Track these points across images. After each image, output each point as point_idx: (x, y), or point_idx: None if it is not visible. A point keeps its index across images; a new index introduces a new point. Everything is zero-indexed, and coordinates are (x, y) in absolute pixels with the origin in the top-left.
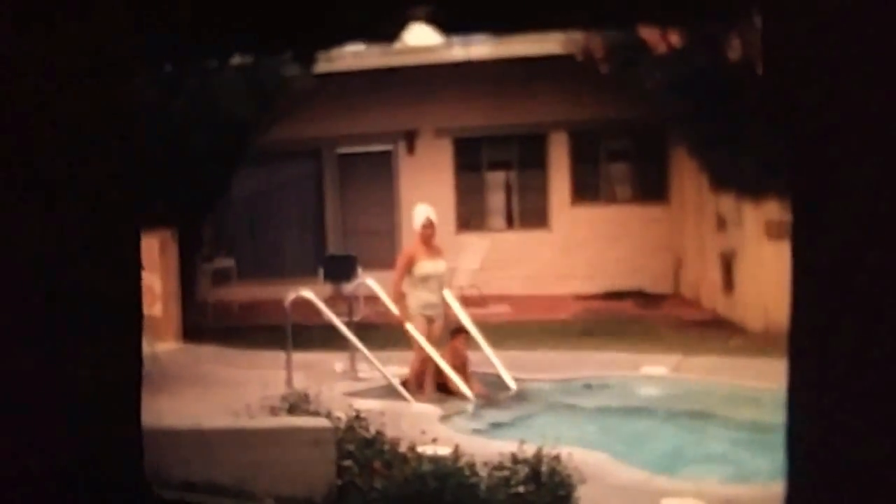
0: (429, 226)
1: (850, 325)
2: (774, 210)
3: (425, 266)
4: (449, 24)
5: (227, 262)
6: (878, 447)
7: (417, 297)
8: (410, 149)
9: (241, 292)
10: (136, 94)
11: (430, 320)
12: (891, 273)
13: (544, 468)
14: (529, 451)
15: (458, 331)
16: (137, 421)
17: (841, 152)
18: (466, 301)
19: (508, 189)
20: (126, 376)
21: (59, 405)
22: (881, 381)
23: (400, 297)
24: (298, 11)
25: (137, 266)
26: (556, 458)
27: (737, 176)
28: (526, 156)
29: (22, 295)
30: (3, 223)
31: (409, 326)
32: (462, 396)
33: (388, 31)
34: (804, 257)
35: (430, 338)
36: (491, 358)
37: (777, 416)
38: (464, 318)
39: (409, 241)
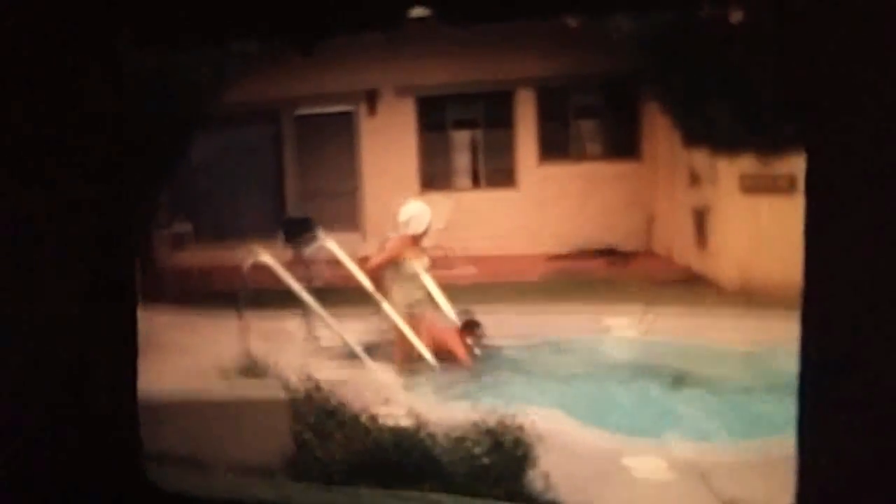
0: (429, 230)
1: (865, 286)
2: (749, 164)
3: (413, 264)
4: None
5: (185, 227)
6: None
7: (405, 294)
8: (372, 109)
9: (200, 257)
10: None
11: (417, 317)
12: None
13: (506, 434)
14: (491, 419)
15: (470, 324)
16: (133, 396)
17: (858, 105)
18: (432, 263)
19: (474, 148)
20: (122, 352)
21: (55, 382)
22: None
23: (376, 281)
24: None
25: (131, 242)
26: (520, 427)
27: (710, 131)
28: (492, 114)
29: (16, 275)
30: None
31: (387, 308)
32: (458, 362)
33: (390, 18)
34: (818, 214)
35: (417, 334)
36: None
37: (749, 374)
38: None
39: (371, 203)
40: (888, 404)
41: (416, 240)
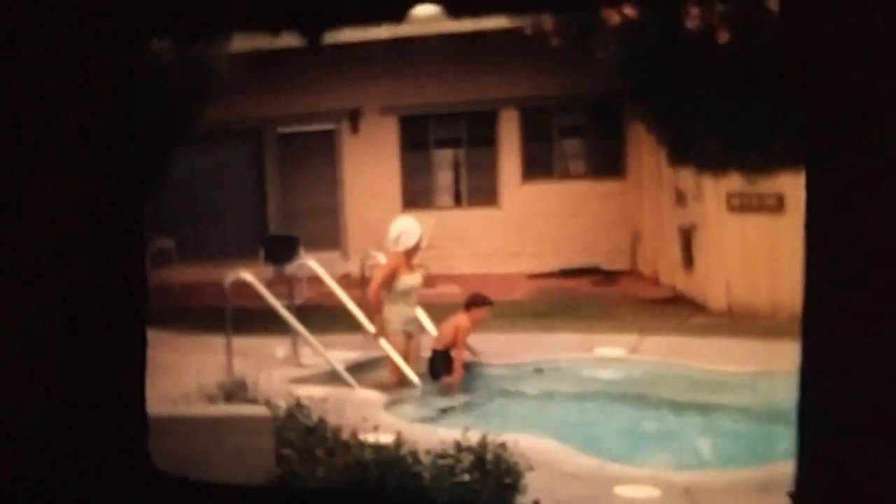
0: (416, 248)
1: (866, 307)
2: (735, 183)
3: (406, 280)
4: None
5: (167, 244)
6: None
7: (399, 312)
8: (354, 128)
9: (182, 274)
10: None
11: (409, 336)
12: None
13: (489, 456)
14: (474, 438)
15: (479, 302)
16: (143, 407)
17: (857, 125)
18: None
19: (457, 167)
20: (130, 364)
21: (67, 393)
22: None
23: (378, 309)
24: None
25: (142, 258)
26: (502, 445)
27: (696, 149)
28: (475, 133)
29: (29, 289)
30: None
31: (383, 342)
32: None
33: (395, 11)
34: (818, 235)
35: (408, 354)
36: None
37: (739, 399)
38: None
39: (353, 222)
40: (888, 427)
41: (408, 256)
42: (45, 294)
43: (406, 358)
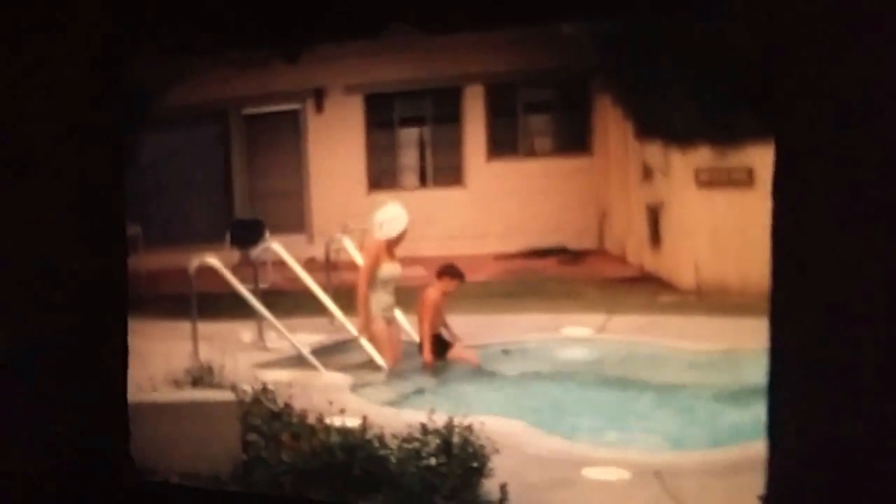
0: (403, 236)
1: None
2: (704, 157)
3: (388, 269)
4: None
5: (134, 230)
6: (862, 413)
7: (378, 300)
8: (319, 107)
9: (148, 260)
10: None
11: (388, 321)
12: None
13: (455, 439)
14: (440, 421)
15: (451, 272)
16: (124, 399)
17: (828, 95)
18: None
19: (422, 146)
20: (113, 355)
21: (48, 385)
22: (867, 339)
23: (365, 304)
24: (286, 9)
25: (123, 248)
26: (468, 427)
27: (663, 123)
28: (440, 110)
29: (10, 280)
30: None
31: (363, 341)
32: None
33: (372, 27)
34: (786, 208)
35: (390, 339)
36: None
37: (709, 377)
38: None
39: (318, 204)
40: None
41: (390, 245)
42: (33, 286)
43: (389, 343)
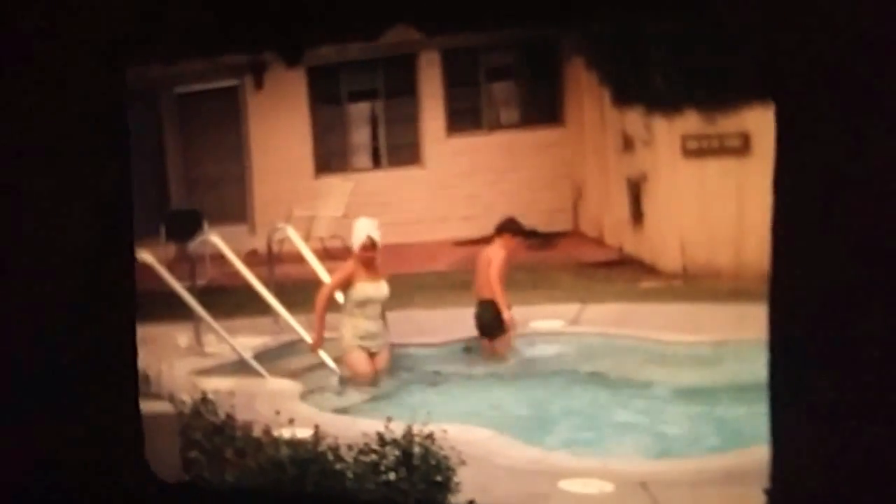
0: (370, 247)
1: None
2: (692, 123)
3: (364, 289)
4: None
5: None
6: (867, 402)
7: (354, 326)
8: (258, 83)
9: None
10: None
11: (370, 353)
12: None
13: (416, 450)
14: (398, 430)
15: (514, 228)
16: (136, 404)
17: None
18: (329, 254)
19: (374, 122)
20: (122, 360)
21: (57, 391)
22: (881, 326)
23: (320, 317)
24: (286, 11)
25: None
26: (430, 437)
27: (645, 87)
28: (393, 82)
29: (18, 286)
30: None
31: (322, 353)
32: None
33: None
34: (789, 179)
35: (367, 372)
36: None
37: (698, 374)
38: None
39: (260, 191)
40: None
41: (366, 261)
42: (40, 290)
43: (371, 374)
